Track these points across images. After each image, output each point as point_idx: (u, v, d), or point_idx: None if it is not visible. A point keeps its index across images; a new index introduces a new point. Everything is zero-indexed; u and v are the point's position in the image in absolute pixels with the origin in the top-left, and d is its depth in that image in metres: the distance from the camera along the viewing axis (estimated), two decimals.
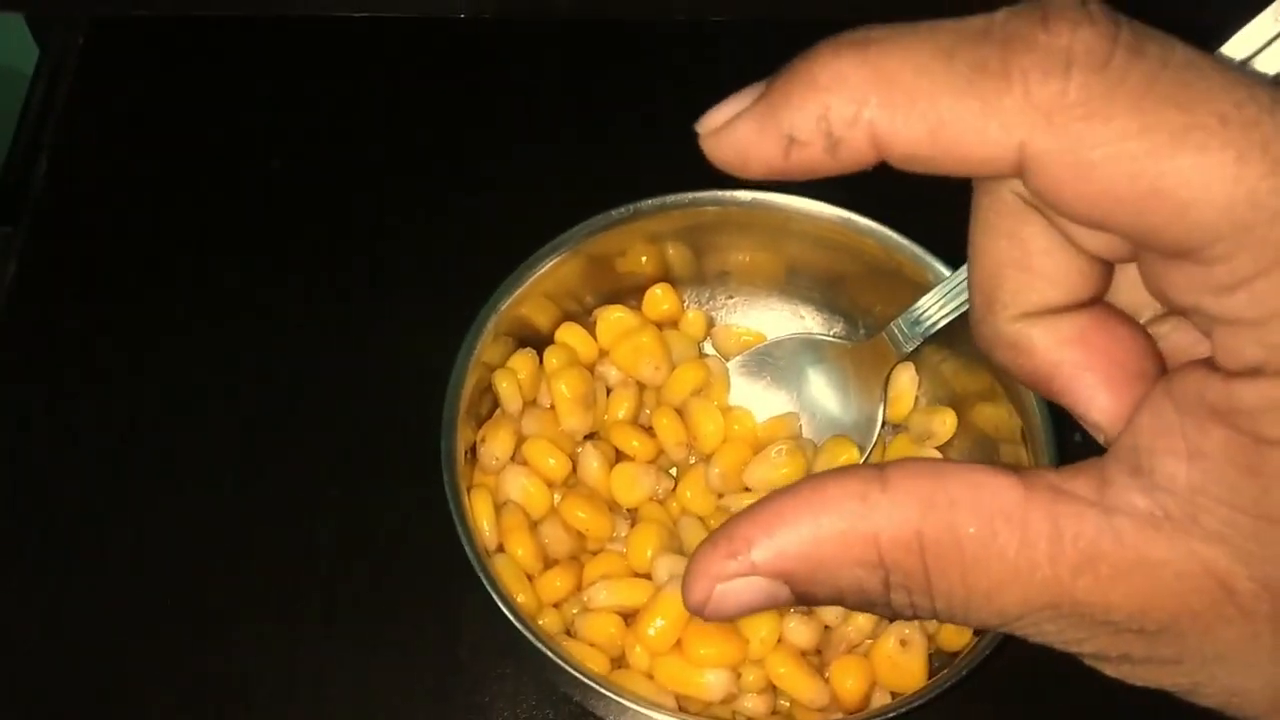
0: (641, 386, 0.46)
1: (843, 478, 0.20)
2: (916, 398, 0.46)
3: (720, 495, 0.44)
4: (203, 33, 0.57)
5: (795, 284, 0.47)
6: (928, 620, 0.21)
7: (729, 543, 0.20)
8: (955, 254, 0.42)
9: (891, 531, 0.19)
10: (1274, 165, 0.17)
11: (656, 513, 0.44)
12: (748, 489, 0.44)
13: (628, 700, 0.37)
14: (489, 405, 0.44)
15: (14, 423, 0.48)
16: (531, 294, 0.44)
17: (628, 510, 0.44)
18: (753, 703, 0.41)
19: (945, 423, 0.45)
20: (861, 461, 0.44)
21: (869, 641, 0.41)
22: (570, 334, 0.46)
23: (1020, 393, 0.41)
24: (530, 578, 0.42)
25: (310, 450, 0.48)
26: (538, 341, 0.45)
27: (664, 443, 0.45)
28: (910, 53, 0.18)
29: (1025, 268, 0.21)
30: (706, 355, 0.47)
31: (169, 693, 0.43)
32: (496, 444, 0.43)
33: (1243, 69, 0.21)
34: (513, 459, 0.43)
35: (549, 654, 0.37)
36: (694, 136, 0.20)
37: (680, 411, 0.45)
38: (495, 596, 0.38)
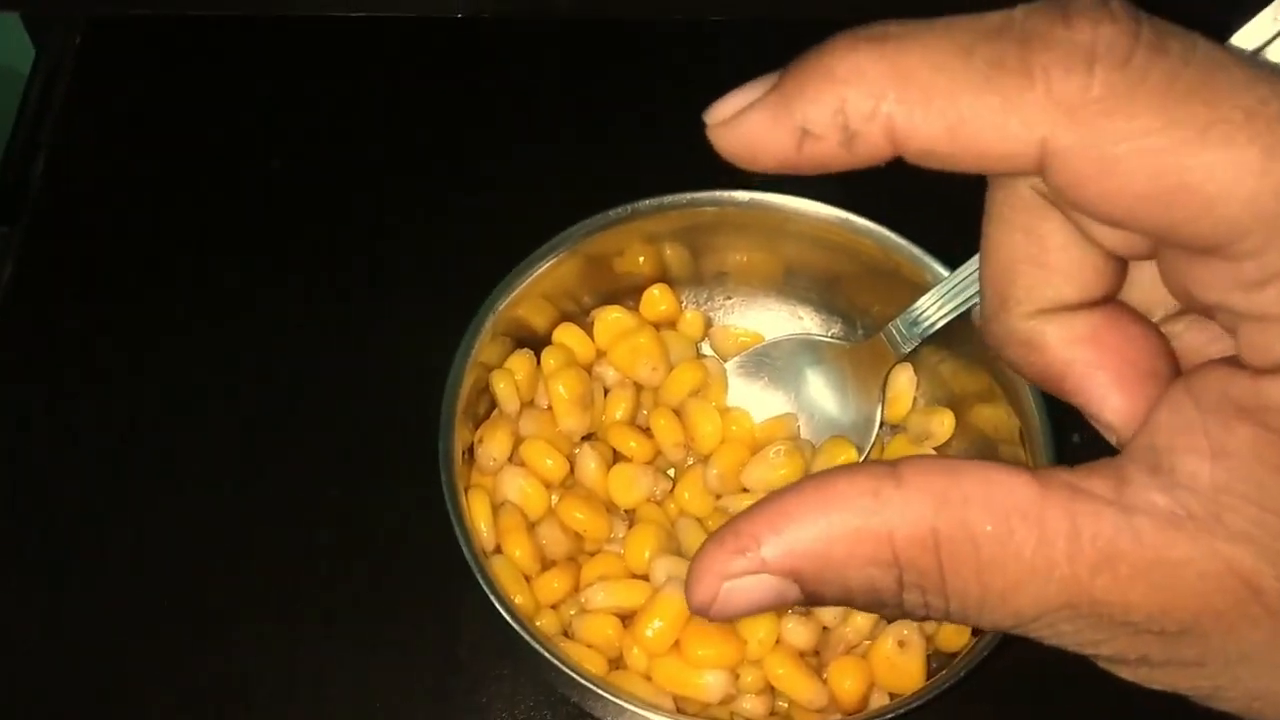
0: (639, 387, 0.46)
1: (853, 474, 0.19)
2: (915, 398, 0.46)
3: (718, 496, 0.44)
4: (202, 32, 0.57)
5: (793, 285, 0.47)
6: (938, 621, 0.21)
7: (736, 539, 0.20)
8: (953, 254, 0.42)
9: (906, 529, 0.19)
10: None
11: (654, 514, 0.44)
12: (746, 490, 0.44)
13: (625, 701, 0.37)
14: (486, 406, 0.44)
15: (14, 423, 0.48)
16: (529, 294, 0.44)
17: (625, 511, 0.44)
18: (751, 704, 0.41)
19: (943, 423, 0.45)
20: (860, 462, 0.44)
21: (867, 642, 0.41)
22: (568, 334, 0.46)
23: (1019, 394, 0.41)
24: (528, 578, 0.42)
25: (310, 450, 0.48)
26: (535, 342, 0.45)
27: (662, 443, 0.45)
28: (928, 49, 0.18)
29: (1040, 264, 0.20)
30: (704, 356, 0.47)
31: (169, 693, 0.43)
32: (494, 445, 0.43)
33: (1262, 65, 0.21)
34: (510, 460, 0.43)
35: (547, 655, 0.37)
36: (693, 136, 0.20)
37: (678, 412, 0.45)
38: (493, 597, 0.38)
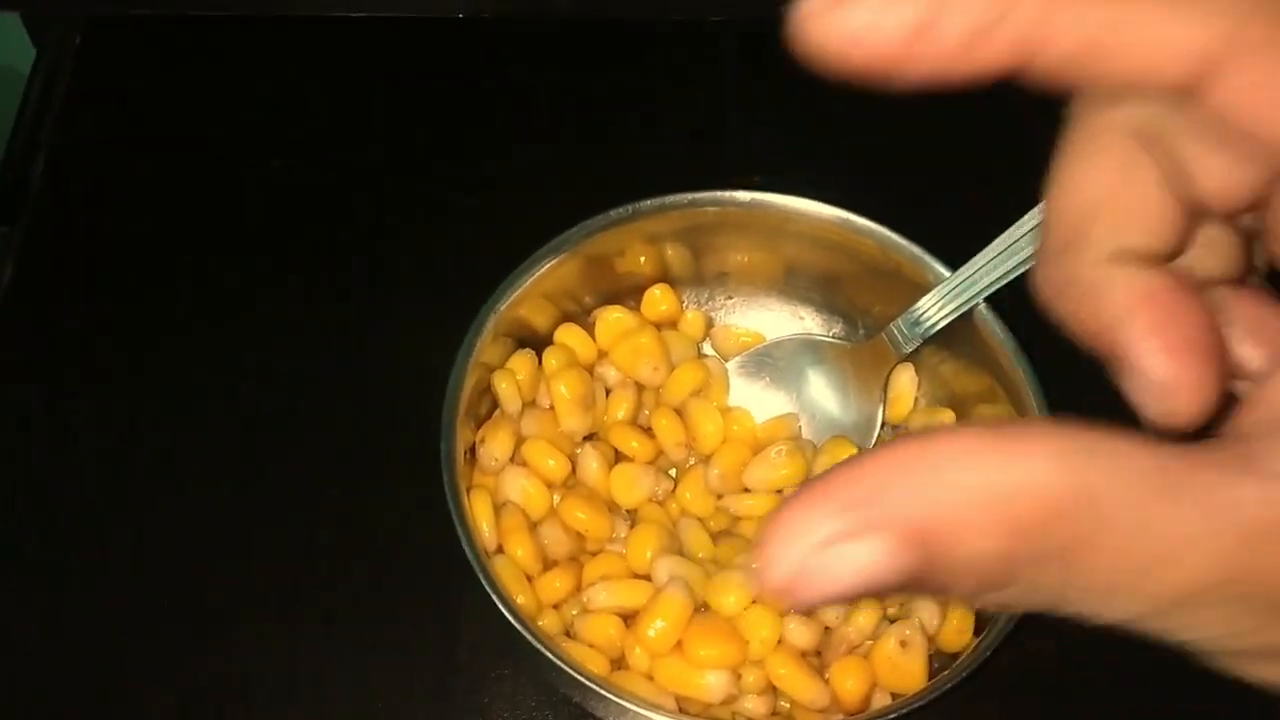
0: (640, 387, 0.46)
1: (955, 434, 0.16)
2: (916, 399, 0.46)
3: (720, 496, 0.44)
4: (202, 32, 0.57)
5: (794, 284, 0.47)
6: (1048, 612, 0.17)
7: (836, 494, 0.16)
8: (954, 254, 0.42)
9: (1031, 495, 0.16)
10: None
11: (656, 514, 0.44)
12: (747, 490, 0.44)
13: (627, 701, 0.37)
14: (488, 406, 0.44)
15: (14, 423, 0.48)
16: (530, 295, 0.44)
17: (627, 511, 0.44)
18: (753, 704, 0.41)
19: (945, 424, 0.45)
20: None
21: (869, 642, 0.41)
22: (569, 335, 0.46)
23: (1020, 394, 0.41)
24: (530, 578, 0.42)
25: (310, 450, 0.48)
26: (537, 342, 0.45)
27: (663, 443, 0.45)
28: None
29: (1124, 208, 0.19)
30: (706, 356, 0.47)
31: (169, 693, 0.43)
32: (496, 445, 0.43)
33: None
34: (512, 460, 0.43)
35: (548, 655, 0.37)
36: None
37: (679, 412, 0.45)
38: (495, 597, 0.38)
